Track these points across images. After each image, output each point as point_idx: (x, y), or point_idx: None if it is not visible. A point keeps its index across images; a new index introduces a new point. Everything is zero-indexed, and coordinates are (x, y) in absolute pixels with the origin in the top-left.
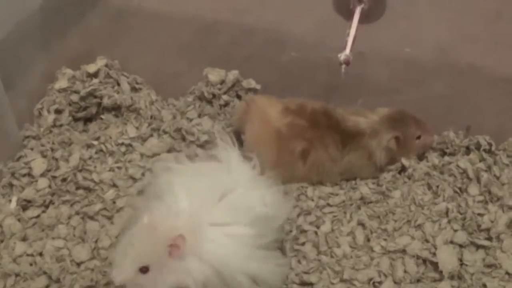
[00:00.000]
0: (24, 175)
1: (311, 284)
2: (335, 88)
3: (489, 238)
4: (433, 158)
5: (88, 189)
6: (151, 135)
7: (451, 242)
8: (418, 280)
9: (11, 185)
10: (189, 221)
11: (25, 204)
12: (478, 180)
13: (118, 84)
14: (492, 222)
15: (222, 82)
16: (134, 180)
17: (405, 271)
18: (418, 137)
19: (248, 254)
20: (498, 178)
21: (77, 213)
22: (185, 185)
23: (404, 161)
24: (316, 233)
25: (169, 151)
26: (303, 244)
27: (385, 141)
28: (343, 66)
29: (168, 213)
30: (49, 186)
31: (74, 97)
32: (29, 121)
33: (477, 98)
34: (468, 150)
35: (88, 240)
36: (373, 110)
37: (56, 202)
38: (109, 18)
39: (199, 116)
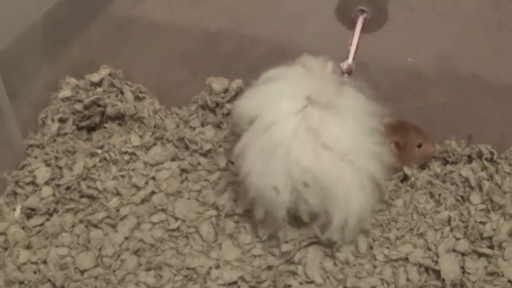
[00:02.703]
0: (28, 184)
1: None
2: None
3: (491, 247)
4: (435, 166)
5: (91, 198)
6: (155, 144)
7: (453, 250)
8: None
9: (15, 193)
10: None
11: (29, 213)
12: (480, 189)
13: (122, 93)
14: (494, 230)
15: (226, 91)
16: (138, 188)
17: (407, 279)
18: (419, 146)
19: None
20: (500, 186)
21: (81, 221)
22: None
23: (406, 170)
24: None
25: (172, 159)
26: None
27: (386, 146)
28: (345, 75)
29: None
30: (53, 195)
31: (78, 106)
32: (33, 130)
33: (479, 107)
34: (470, 159)
35: (92, 248)
36: None
37: (60, 210)
38: (111, 27)
39: (202, 125)
